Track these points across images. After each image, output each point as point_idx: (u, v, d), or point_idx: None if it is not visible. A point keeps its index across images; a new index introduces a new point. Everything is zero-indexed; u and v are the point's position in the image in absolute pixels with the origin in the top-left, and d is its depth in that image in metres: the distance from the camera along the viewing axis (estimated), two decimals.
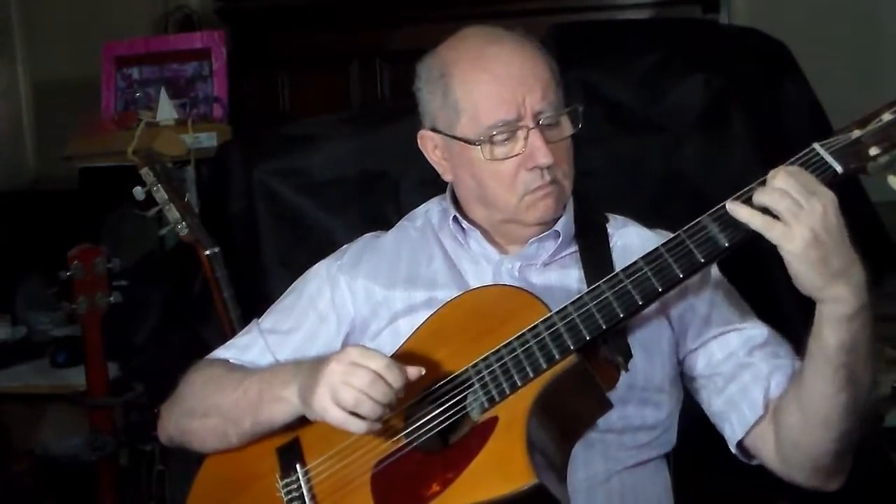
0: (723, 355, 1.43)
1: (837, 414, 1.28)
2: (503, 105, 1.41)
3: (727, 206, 1.23)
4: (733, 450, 1.42)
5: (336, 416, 1.31)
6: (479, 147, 1.43)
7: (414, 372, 1.32)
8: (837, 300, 1.23)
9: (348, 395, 1.30)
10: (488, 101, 1.42)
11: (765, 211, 1.20)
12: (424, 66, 1.51)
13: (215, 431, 1.51)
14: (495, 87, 1.42)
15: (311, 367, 1.38)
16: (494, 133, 1.42)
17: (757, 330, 1.45)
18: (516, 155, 1.42)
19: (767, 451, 1.39)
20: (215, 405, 1.50)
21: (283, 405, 1.42)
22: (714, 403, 1.44)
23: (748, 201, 1.22)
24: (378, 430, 1.32)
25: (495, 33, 1.48)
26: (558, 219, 1.49)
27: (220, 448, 1.52)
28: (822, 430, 1.30)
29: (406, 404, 1.35)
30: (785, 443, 1.36)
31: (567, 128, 1.46)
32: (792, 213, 1.18)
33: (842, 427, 1.30)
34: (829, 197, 1.19)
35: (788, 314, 1.88)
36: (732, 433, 1.41)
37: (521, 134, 1.42)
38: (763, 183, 1.22)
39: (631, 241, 1.51)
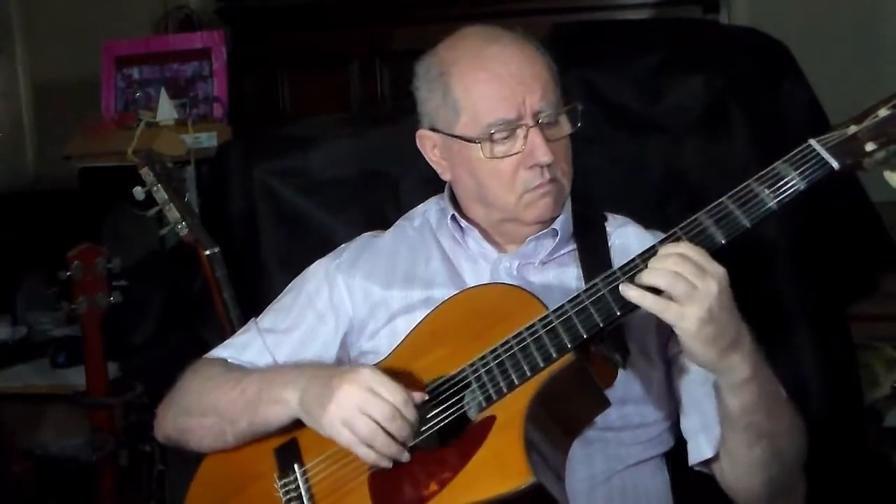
0: (695, 375, 1.42)
1: (757, 464, 1.33)
2: (503, 104, 1.41)
3: (620, 289, 1.25)
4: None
5: (347, 440, 1.32)
6: (478, 145, 1.43)
7: (419, 398, 1.32)
8: (732, 370, 1.26)
9: (365, 427, 1.30)
10: (488, 99, 1.42)
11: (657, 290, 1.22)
12: (423, 66, 1.51)
13: (212, 430, 1.51)
14: (495, 85, 1.42)
15: (316, 377, 1.38)
16: (494, 132, 1.42)
17: None
18: (516, 153, 1.42)
19: (721, 483, 1.43)
20: (212, 404, 1.50)
21: (281, 407, 1.42)
22: (682, 420, 1.46)
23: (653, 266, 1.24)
24: (386, 466, 1.32)
25: (494, 33, 1.48)
26: (556, 217, 1.49)
27: (216, 447, 1.52)
28: (748, 477, 1.36)
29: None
30: (724, 484, 1.41)
31: (566, 127, 1.47)
32: (686, 295, 1.20)
33: (765, 475, 1.34)
34: (720, 274, 1.22)
35: (788, 311, 1.89)
36: (691, 457, 1.44)
37: (520, 132, 1.42)
38: (655, 253, 1.25)
39: (629, 241, 1.52)
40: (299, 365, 1.50)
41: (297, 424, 1.43)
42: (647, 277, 1.23)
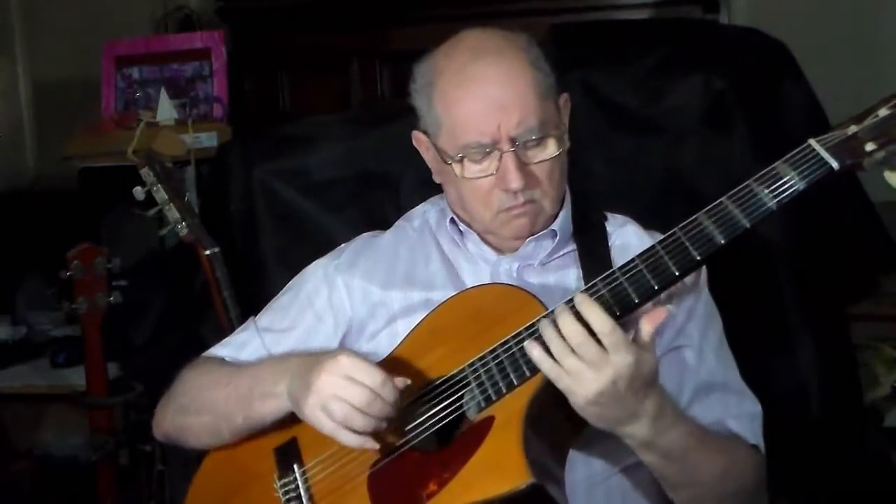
0: (671, 385, 1.42)
1: (689, 502, 1.35)
2: (477, 128, 1.40)
3: (524, 346, 1.24)
4: None
5: (327, 427, 1.32)
6: (453, 164, 1.43)
7: (401, 383, 1.32)
8: (630, 436, 1.26)
9: (339, 410, 1.30)
10: (463, 122, 1.41)
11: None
12: (419, 70, 1.50)
13: (209, 428, 1.51)
14: (471, 109, 1.40)
15: (301, 367, 1.38)
16: (466, 155, 1.42)
17: (714, 370, 1.46)
18: (490, 175, 1.42)
19: None
20: (208, 401, 1.51)
21: (273, 401, 1.42)
22: None
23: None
24: (373, 448, 1.32)
25: (485, 45, 1.44)
26: (536, 233, 1.49)
27: (214, 444, 1.53)
28: None
29: (403, 404, 1.35)
30: None
31: (551, 148, 1.43)
32: (578, 375, 1.20)
33: None
34: (621, 365, 1.19)
35: (788, 311, 1.89)
36: None
37: (495, 155, 1.41)
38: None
39: (629, 240, 1.51)
40: (287, 356, 1.50)
41: (296, 422, 1.43)
42: (548, 340, 1.22)
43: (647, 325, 1.22)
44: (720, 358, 1.47)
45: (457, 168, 1.43)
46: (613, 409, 1.22)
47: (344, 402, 1.30)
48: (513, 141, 1.39)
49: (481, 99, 1.40)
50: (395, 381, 1.32)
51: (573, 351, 1.20)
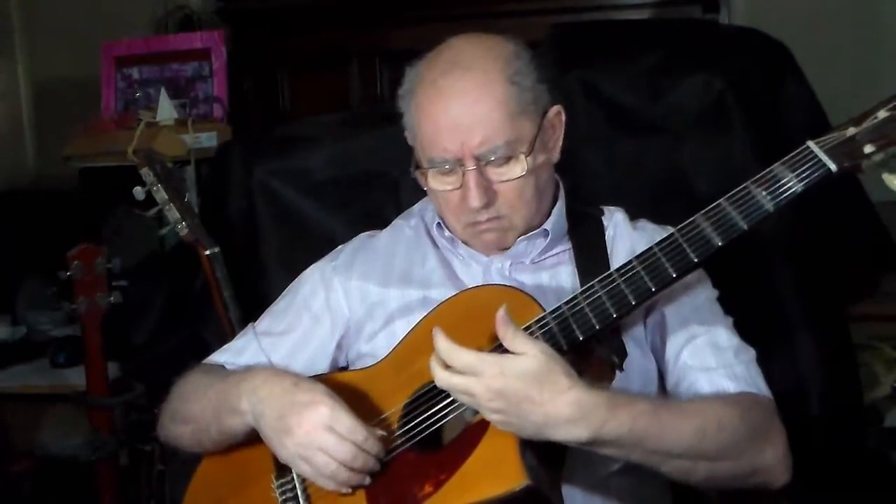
0: (683, 367, 1.42)
1: (676, 476, 1.33)
2: (441, 145, 1.40)
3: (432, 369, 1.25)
4: None
5: (306, 473, 1.34)
6: (423, 174, 1.44)
7: (378, 435, 1.33)
8: (568, 441, 1.23)
9: (325, 465, 1.31)
10: (431, 136, 1.42)
11: None
12: (407, 75, 1.49)
13: (192, 438, 1.53)
14: (437, 124, 1.40)
15: (270, 395, 1.38)
16: (432, 167, 1.42)
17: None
18: (456, 189, 1.42)
19: None
20: (189, 412, 1.52)
21: (238, 417, 1.42)
22: None
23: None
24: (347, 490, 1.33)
25: (462, 59, 1.42)
26: (508, 248, 1.49)
27: (201, 452, 1.54)
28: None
29: (399, 405, 1.36)
30: None
31: (517, 168, 1.41)
32: (473, 402, 1.23)
33: (694, 479, 1.32)
34: (493, 371, 1.20)
35: (788, 311, 1.89)
36: None
37: (460, 171, 1.41)
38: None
39: (618, 230, 1.52)
40: (250, 371, 1.48)
41: None
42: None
43: (500, 331, 1.23)
44: (702, 313, 1.44)
45: (421, 178, 1.45)
46: (520, 421, 1.21)
47: (329, 457, 1.31)
48: (477, 159, 1.39)
49: (446, 116, 1.39)
50: (375, 434, 1.32)
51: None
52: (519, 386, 1.19)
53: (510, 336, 1.22)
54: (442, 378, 1.24)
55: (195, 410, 1.50)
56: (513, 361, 1.20)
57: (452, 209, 1.46)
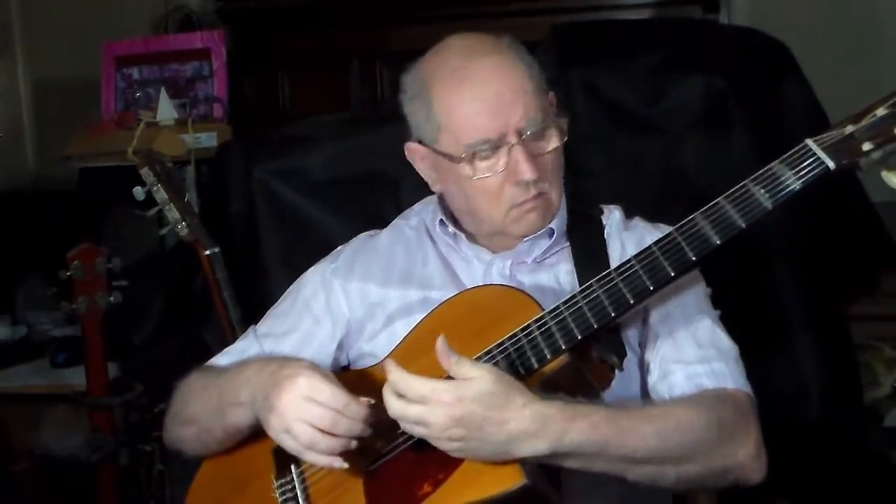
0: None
1: (645, 481, 1.31)
2: (484, 125, 1.39)
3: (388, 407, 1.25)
4: None
5: (292, 447, 1.33)
6: (461, 165, 1.42)
7: (365, 402, 1.31)
8: (528, 457, 1.23)
9: (304, 434, 1.30)
10: (468, 121, 1.40)
11: None
12: (409, 79, 1.49)
13: (196, 439, 1.52)
14: (475, 107, 1.40)
15: (261, 379, 1.38)
16: (475, 151, 1.41)
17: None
18: (500, 171, 1.41)
19: None
20: (191, 413, 1.51)
21: (241, 410, 1.42)
22: None
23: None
24: (341, 468, 1.32)
25: (474, 46, 1.44)
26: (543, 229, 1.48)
27: (205, 453, 1.53)
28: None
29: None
30: None
31: (553, 139, 1.44)
32: (429, 437, 1.23)
33: (668, 481, 1.31)
34: (439, 414, 1.20)
35: (788, 311, 1.89)
36: None
37: (504, 150, 1.40)
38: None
39: (615, 228, 1.52)
40: (246, 363, 1.48)
41: None
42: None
43: (444, 362, 1.24)
44: (687, 308, 1.43)
45: (467, 168, 1.42)
46: (480, 445, 1.22)
47: (307, 424, 1.30)
48: (519, 133, 1.40)
49: (484, 95, 1.39)
50: (359, 400, 1.31)
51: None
52: (477, 409, 1.20)
53: (454, 364, 1.23)
54: (396, 408, 1.24)
55: (198, 411, 1.50)
56: (467, 386, 1.21)
57: (492, 196, 1.44)
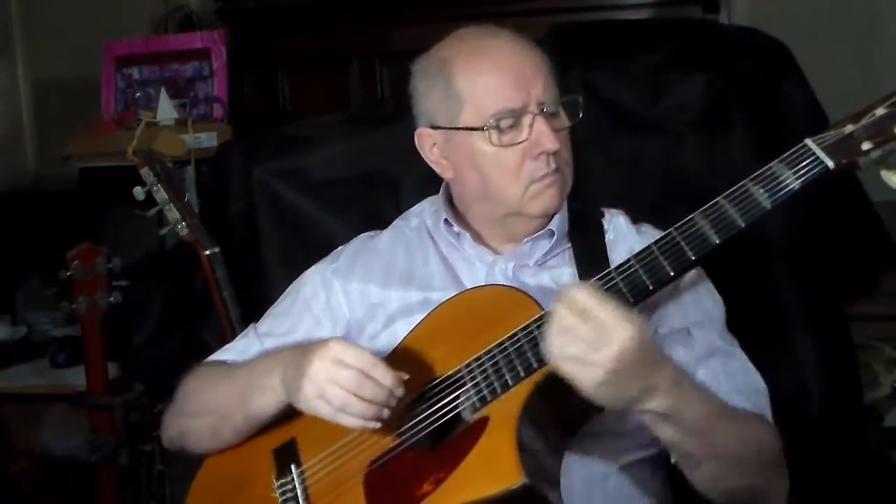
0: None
1: (707, 481, 1.32)
2: (508, 93, 1.42)
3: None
4: None
5: (326, 413, 1.32)
6: (484, 133, 1.43)
7: (397, 373, 1.31)
8: (644, 412, 1.25)
9: (336, 396, 1.30)
10: (493, 89, 1.42)
11: None
12: (421, 65, 1.51)
13: (209, 429, 1.52)
14: (499, 76, 1.42)
15: (293, 358, 1.38)
16: (499, 120, 1.42)
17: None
18: (522, 142, 1.42)
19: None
20: (206, 403, 1.52)
21: (270, 395, 1.42)
22: None
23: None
24: (374, 427, 1.32)
25: (491, 30, 1.49)
26: (557, 213, 1.49)
27: (214, 447, 1.53)
28: (703, 489, 1.34)
29: (403, 394, 1.36)
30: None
31: (565, 120, 1.47)
32: (579, 360, 1.17)
33: (720, 486, 1.32)
34: (623, 338, 1.15)
35: (788, 311, 1.89)
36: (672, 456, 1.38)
37: (526, 121, 1.42)
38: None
39: (620, 233, 1.52)
40: (279, 350, 1.50)
41: (296, 423, 1.44)
42: (549, 334, 1.20)
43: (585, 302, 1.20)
44: (723, 334, 1.45)
45: (493, 136, 1.42)
46: (624, 386, 1.19)
47: (339, 386, 1.30)
48: (540, 105, 1.42)
49: (507, 68, 1.43)
50: (388, 367, 1.31)
51: (574, 334, 1.17)
52: (644, 348, 1.18)
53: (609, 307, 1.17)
54: (570, 321, 1.17)
55: (215, 399, 1.50)
56: (642, 329, 1.18)
57: (512, 171, 1.44)
